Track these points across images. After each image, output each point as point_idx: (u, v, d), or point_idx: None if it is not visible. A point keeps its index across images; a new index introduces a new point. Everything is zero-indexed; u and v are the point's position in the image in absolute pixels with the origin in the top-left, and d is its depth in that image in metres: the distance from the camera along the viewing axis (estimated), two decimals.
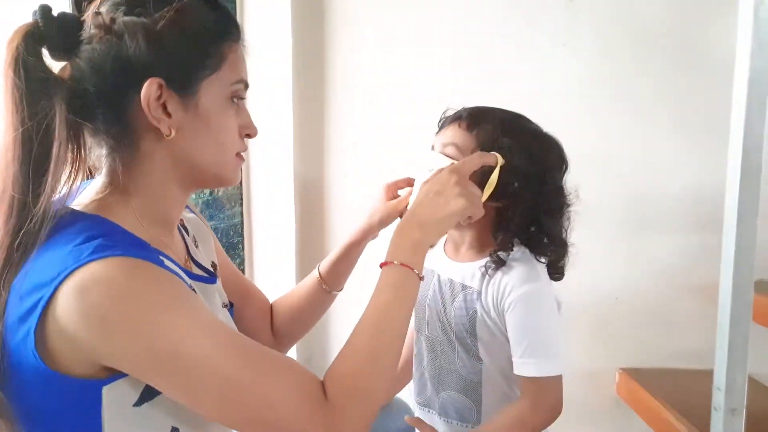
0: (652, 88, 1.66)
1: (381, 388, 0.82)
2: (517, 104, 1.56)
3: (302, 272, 1.70)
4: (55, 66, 0.78)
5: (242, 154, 0.90)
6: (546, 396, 1.03)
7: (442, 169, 0.97)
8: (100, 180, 0.83)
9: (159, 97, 0.78)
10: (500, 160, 1.01)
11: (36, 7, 0.76)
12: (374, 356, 0.82)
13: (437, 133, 1.12)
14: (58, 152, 0.74)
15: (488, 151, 1.02)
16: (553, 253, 1.09)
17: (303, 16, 1.68)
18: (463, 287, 1.09)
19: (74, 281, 0.68)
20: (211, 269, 1.02)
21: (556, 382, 1.03)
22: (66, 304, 0.68)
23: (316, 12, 1.69)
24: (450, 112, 1.12)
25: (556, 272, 1.11)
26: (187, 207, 1.07)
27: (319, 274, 1.20)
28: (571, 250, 1.12)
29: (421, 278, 0.92)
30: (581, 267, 1.69)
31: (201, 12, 0.81)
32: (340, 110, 1.73)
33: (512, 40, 1.67)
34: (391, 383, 0.87)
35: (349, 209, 1.75)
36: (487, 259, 1.06)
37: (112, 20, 0.76)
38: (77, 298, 0.68)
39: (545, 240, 1.08)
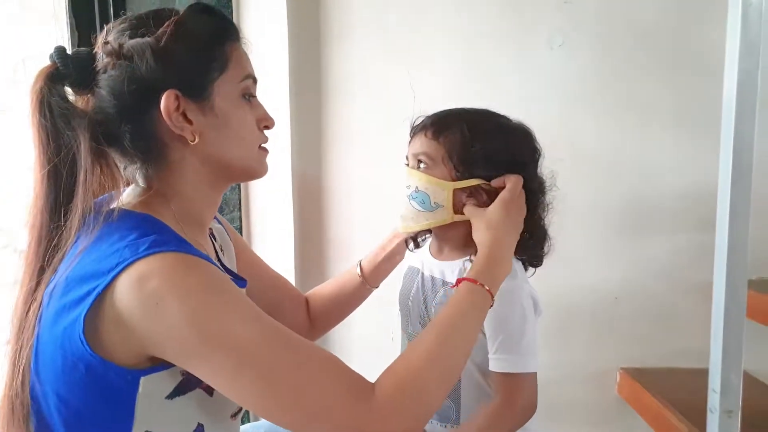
0: (649, 88, 1.66)
1: (434, 393, 0.83)
2: (514, 106, 1.56)
3: (301, 276, 1.72)
4: (79, 100, 0.86)
5: (266, 146, 0.96)
6: (519, 393, 1.04)
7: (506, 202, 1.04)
8: (137, 186, 0.89)
9: (178, 107, 0.84)
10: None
11: (52, 50, 0.83)
12: (434, 360, 0.84)
13: (409, 143, 1.13)
14: (84, 179, 0.81)
15: (459, 157, 1.06)
16: (530, 247, 1.13)
17: (299, 17, 1.68)
18: (444, 283, 1.12)
19: (133, 272, 0.73)
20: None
21: (529, 379, 1.05)
22: (124, 292, 0.73)
23: (312, 12, 1.70)
24: (419, 121, 1.14)
25: (534, 261, 1.15)
26: (214, 217, 1.11)
27: (361, 270, 1.25)
28: (550, 238, 1.15)
29: (492, 304, 0.96)
30: (581, 267, 1.72)
31: (198, 20, 0.87)
32: (338, 113, 1.73)
33: (509, 43, 1.67)
34: (447, 393, 0.88)
35: (348, 213, 1.75)
36: (467, 257, 1.09)
37: (120, 45, 0.82)
38: (136, 287, 0.73)
39: (526, 233, 1.10)
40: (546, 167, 1.15)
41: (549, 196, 1.15)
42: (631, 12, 1.65)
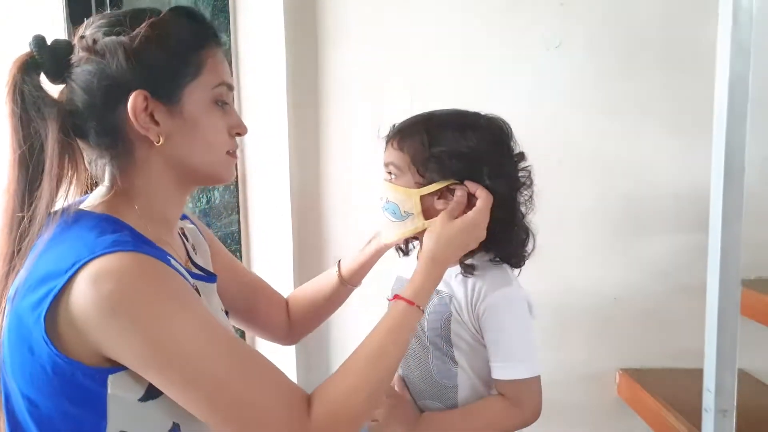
0: (646, 88, 1.66)
1: (364, 415, 0.88)
2: (512, 107, 1.55)
3: (300, 278, 1.72)
4: (55, 90, 0.86)
5: (236, 153, 0.96)
6: (527, 397, 1.06)
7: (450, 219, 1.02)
8: (103, 187, 0.89)
9: (146, 108, 0.84)
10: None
11: (30, 38, 0.84)
12: (365, 386, 0.87)
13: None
14: (50, 168, 0.81)
15: (421, 162, 1.05)
16: (511, 246, 1.11)
17: (296, 22, 1.69)
18: (437, 292, 1.11)
19: (89, 271, 0.73)
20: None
21: (535, 382, 1.07)
22: (80, 292, 0.73)
23: (309, 18, 1.71)
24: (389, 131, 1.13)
25: (515, 261, 1.13)
26: (187, 218, 1.12)
27: (339, 270, 1.24)
28: (534, 236, 1.13)
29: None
30: (579, 268, 1.72)
31: (175, 24, 0.87)
32: (335, 116, 1.74)
33: (506, 44, 1.68)
34: (375, 408, 0.95)
35: (346, 215, 1.76)
36: (457, 266, 1.08)
37: (94, 41, 0.83)
38: (91, 287, 0.73)
39: (501, 234, 1.08)
40: (531, 165, 1.13)
41: (529, 193, 1.12)
42: (627, 13, 1.65)
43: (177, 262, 0.89)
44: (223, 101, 0.91)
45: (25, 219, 0.81)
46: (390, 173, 1.09)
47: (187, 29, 0.88)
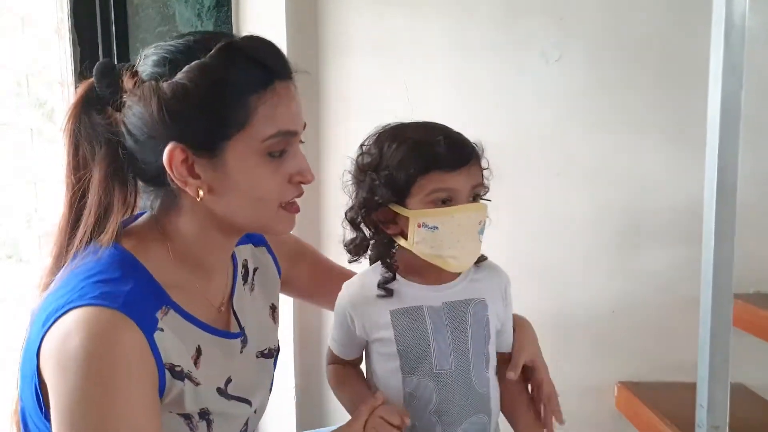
0: (645, 102, 1.68)
1: None
2: (512, 120, 1.57)
3: None
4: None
5: (296, 204, 0.86)
6: None
7: None
8: (149, 213, 0.85)
9: (185, 160, 0.77)
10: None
11: (96, 65, 0.80)
12: None
13: None
14: (97, 190, 0.80)
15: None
16: None
17: (298, 37, 1.70)
18: (469, 301, 1.07)
19: (65, 321, 0.72)
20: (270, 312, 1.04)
21: None
22: (52, 336, 0.72)
23: (311, 32, 1.73)
24: None
25: None
26: (267, 251, 1.06)
27: None
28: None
29: None
30: (577, 281, 1.72)
31: (220, 68, 0.76)
32: (335, 128, 1.76)
33: (506, 58, 1.69)
34: None
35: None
36: (471, 268, 1.08)
37: (136, 82, 0.77)
38: (61, 338, 0.71)
39: None
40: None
41: None
42: (626, 28, 1.67)
43: (182, 314, 0.83)
44: (281, 151, 0.80)
45: (74, 229, 0.82)
46: (479, 194, 1.05)
47: (234, 73, 0.76)
